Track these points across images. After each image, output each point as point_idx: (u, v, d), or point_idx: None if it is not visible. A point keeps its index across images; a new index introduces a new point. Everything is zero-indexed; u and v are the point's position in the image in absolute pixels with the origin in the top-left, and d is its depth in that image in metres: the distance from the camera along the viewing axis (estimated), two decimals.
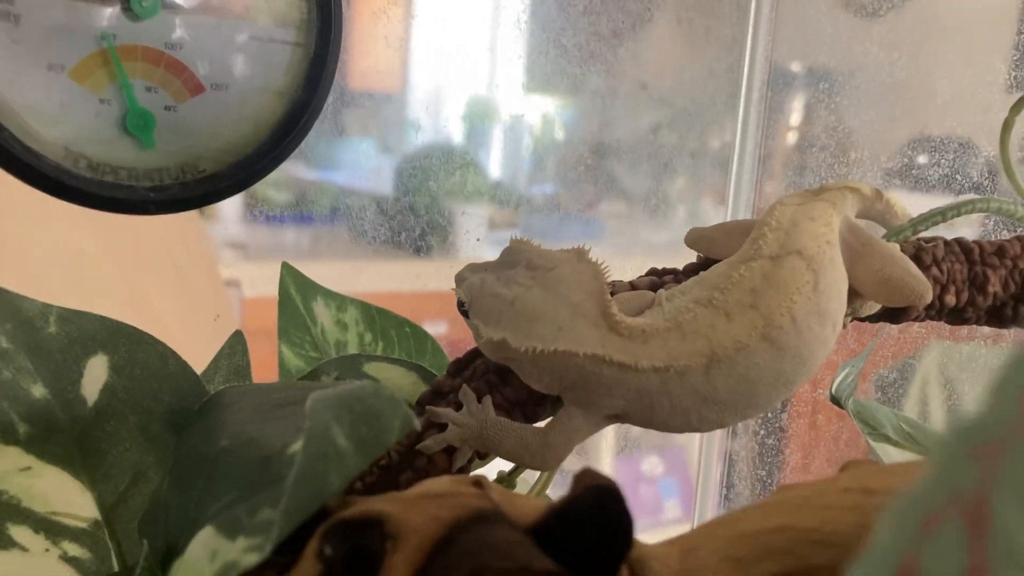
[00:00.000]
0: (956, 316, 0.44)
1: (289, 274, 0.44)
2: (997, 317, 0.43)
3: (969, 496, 0.15)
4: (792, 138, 0.87)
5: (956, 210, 0.43)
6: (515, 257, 0.38)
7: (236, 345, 0.42)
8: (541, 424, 0.40)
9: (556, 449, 0.38)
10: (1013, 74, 0.71)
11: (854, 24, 0.80)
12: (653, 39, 0.86)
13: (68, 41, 0.35)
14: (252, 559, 0.25)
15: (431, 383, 0.42)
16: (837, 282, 0.38)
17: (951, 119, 0.76)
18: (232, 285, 0.90)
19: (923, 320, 0.44)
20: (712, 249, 0.42)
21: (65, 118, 0.36)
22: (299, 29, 0.38)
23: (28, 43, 0.35)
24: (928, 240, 0.44)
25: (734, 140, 0.82)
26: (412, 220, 0.79)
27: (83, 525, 0.40)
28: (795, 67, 0.85)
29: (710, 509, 0.88)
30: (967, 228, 0.69)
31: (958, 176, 0.73)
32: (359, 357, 0.40)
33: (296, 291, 0.44)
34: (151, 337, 0.39)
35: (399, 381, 0.41)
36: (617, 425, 0.98)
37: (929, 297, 0.39)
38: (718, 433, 0.86)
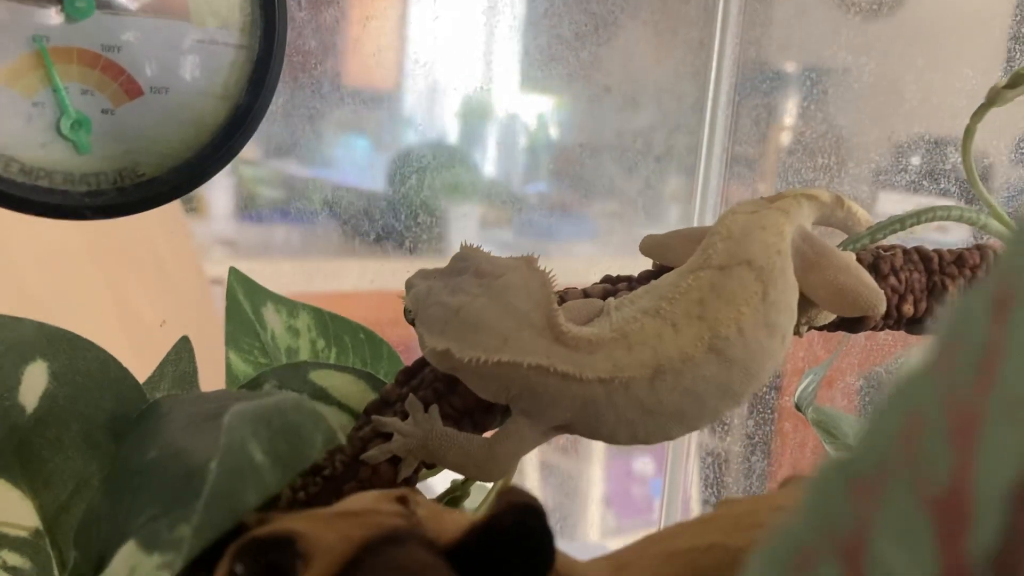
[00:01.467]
0: (915, 326, 0.43)
1: (237, 279, 0.43)
2: None
3: (845, 533, 0.14)
4: (785, 139, 0.86)
5: (915, 218, 0.43)
6: (464, 264, 0.38)
7: (182, 351, 0.41)
8: (490, 434, 0.39)
9: (501, 460, 0.37)
10: (1007, 75, 0.70)
11: (847, 24, 0.79)
12: (646, 39, 0.85)
13: None
14: None
15: (379, 391, 0.41)
16: (787, 293, 0.37)
17: (943, 120, 0.75)
18: (218, 283, 0.90)
19: (881, 329, 0.43)
20: (666, 256, 0.42)
21: None
22: (242, 31, 0.37)
23: None
24: (887, 248, 0.43)
25: (718, 140, 0.81)
26: (405, 218, 0.79)
27: (24, 534, 0.40)
28: (789, 67, 0.85)
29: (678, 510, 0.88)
30: (960, 232, 0.68)
31: (952, 177, 0.73)
32: (305, 365, 0.39)
33: (244, 296, 0.43)
34: (91, 343, 0.38)
35: (347, 389, 0.40)
36: None
37: (883, 308, 0.39)
38: (680, 464, 0.86)
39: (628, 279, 0.43)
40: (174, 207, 0.81)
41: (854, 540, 0.14)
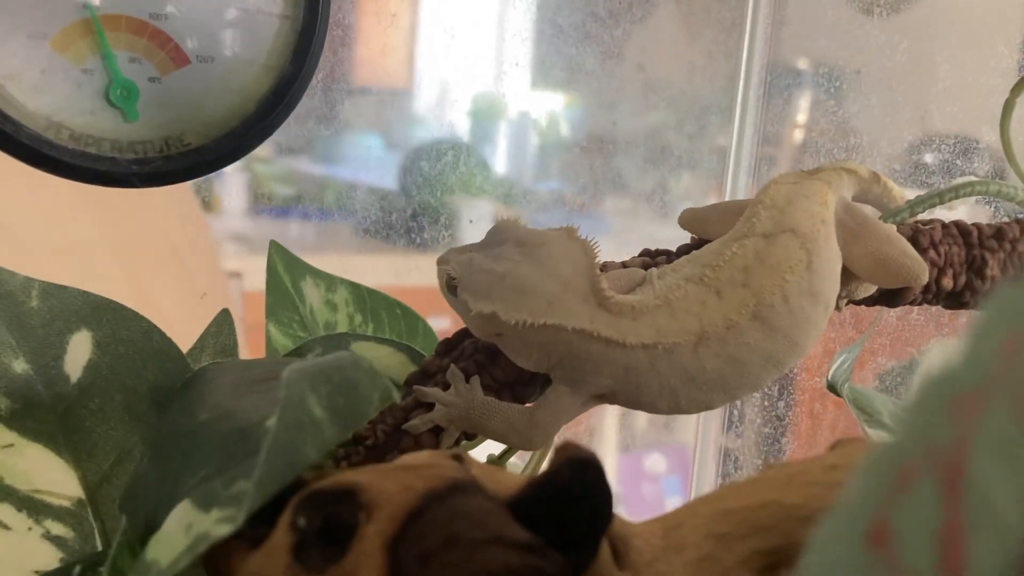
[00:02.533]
0: (954, 300, 0.43)
1: (277, 253, 0.44)
2: None
3: (945, 451, 0.14)
4: (799, 136, 0.86)
5: (954, 192, 0.43)
6: (502, 236, 0.38)
7: (223, 324, 0.42)
8: (530, 405, 0.39)
9: (543, 428, 0.37)
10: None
11: (864, 22, 0.79)
12: (659, 36, 0.85)
13: (50, 10, 0.35)
14: (224, 530, 0.25)
15: (419, 363, 0.41)
16: (831, 262, 0.37)
17: (960, 118, 0.75)
18: (234, 277, 0.90)
19: (920, 304, 0.43)
20: (706, 229, 0.42)
21: (47, 88, 0.35)
22: (287, 2, 0.37)
23: (8, 11, 0.34)
24: (926, 223, 0.43)
25: (736, 137, 0.81)
26: (416, 215, 0.79)
27: (67, 504, 0.40)
28: (802, 64, 0.85)
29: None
30: (966, 209, 0.68)
31: (967, 175, 0.72)
32: (345, 336, 0.39)
33: (284, 270, 0.43)
34: (135, 313, 0.38)
35: (387, 361, 0.41)
36: (620, 422, 0.97)
37: (925, 278, 0.38)
38: (714, 429, 0.86)
39: (667, 252, 0.43)
40: (192, 202, 0.81)
41: (954, 459, 0.14)
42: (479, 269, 0.36)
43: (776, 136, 0.83)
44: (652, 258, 0.42)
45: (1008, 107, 0.44)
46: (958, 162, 0.73)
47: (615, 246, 0.44)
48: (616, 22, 0.79)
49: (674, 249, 0.43)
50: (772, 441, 0.78)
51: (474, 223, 0.82)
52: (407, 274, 0.78)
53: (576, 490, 0.25)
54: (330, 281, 0.45)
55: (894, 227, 0.40)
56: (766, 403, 0.78)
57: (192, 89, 0.37)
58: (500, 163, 0.90)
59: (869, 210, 0.42)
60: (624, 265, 0.42)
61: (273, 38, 0.38)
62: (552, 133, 0.91)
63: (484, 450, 0.45)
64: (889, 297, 0.42)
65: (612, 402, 0.37)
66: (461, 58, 0.82)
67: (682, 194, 0.89)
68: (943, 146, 0.74)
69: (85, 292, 0.37)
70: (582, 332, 0.34)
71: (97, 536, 0.40)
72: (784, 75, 0.81)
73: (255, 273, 0.86)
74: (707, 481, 0.88)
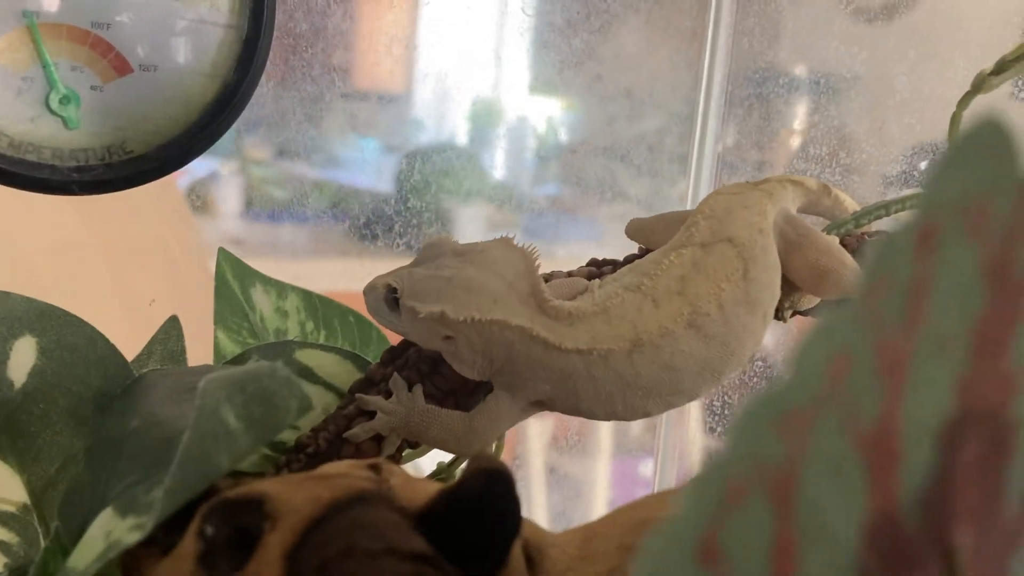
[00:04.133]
0: None
1: (226, 259, 0.44)
2: None
3: (774, 469, 0.15)
4: (794, 142, 0.86)
5: (900, 204, 0.43)
6: (436, 251, 0.38)
7: (171, 330, 0.42)
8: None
9: (481, 434, 0.37)
10: (1019, 80, 0.70)
11: (857, 29, 0.79)
12: (657, 46, 0.85)
13: None
14: (134, 537, 0.25)
15: (365, 372, 0.41)
16: (768, 272, 0.37)
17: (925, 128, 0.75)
18: None
19: None
20: (651, 239, 0.42)
21: None
22: (231, 11, 0.38)
23: None
24: (872, 234, 0.43)
25: (733, 143, 0.81)
26: (413, 219, 0.79)
27: (11, 509, 0.40)
28: (798, 71, 0.85)
29: None
30: None
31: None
32: (290, 343, 0.39)
33: (233, 276, 0.44)
34: (79, 320, 0.38)
35: (333, 369, 0.41)
36: (615, 427, 0.97)
37: None
38: (672, 455, 0.86)
39: (613, 262, 0.43)
40: (183, 205, 0.82)
41: (783, 477, 0.14)
42: (422, 277, 0.37)
43: (749, 143, 0.83)
44: (599, 268, 0.42)
45: (955, 120, 0.44)
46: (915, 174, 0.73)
47: (609, 252, 0.44)
48: (576, 31, 0.80)
49: (621, 259, 0.43)
50: None
51: (470, 225, 0.82)
52: None
53: (484, 501, 0.25)
54: (281, 288, 0.45)
55: (835, 239, 0.40)
56: (716, 411, 0.78)
57: (135, 98, 0.38)
58: (497, 168, 0.90)
59: (815, 221, 0.43)
60: (570, 275, 0.42)
61: (217, 47, 0.38)
62: (550, 137, 0.91)
63: (433, 459, 0.45)
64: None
65: (552, 408, 0.38)
66: (459, 63, 0.82)
67: (679, 198, 0.89)
68: (935, 152, 0.74)
69: (29, 298, 0.38)
70: (523, 331, 0.35)
71: (42, 541, 0.41)
72: (782, 83, 0.81)
73: None
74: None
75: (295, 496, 0.25)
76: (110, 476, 0.32)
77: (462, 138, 0.86)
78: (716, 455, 0.14)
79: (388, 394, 0.39)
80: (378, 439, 0.38)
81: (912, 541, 0.15)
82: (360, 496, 0.24)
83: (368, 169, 0.85)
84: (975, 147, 0.14)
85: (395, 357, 0.41)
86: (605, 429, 0.98)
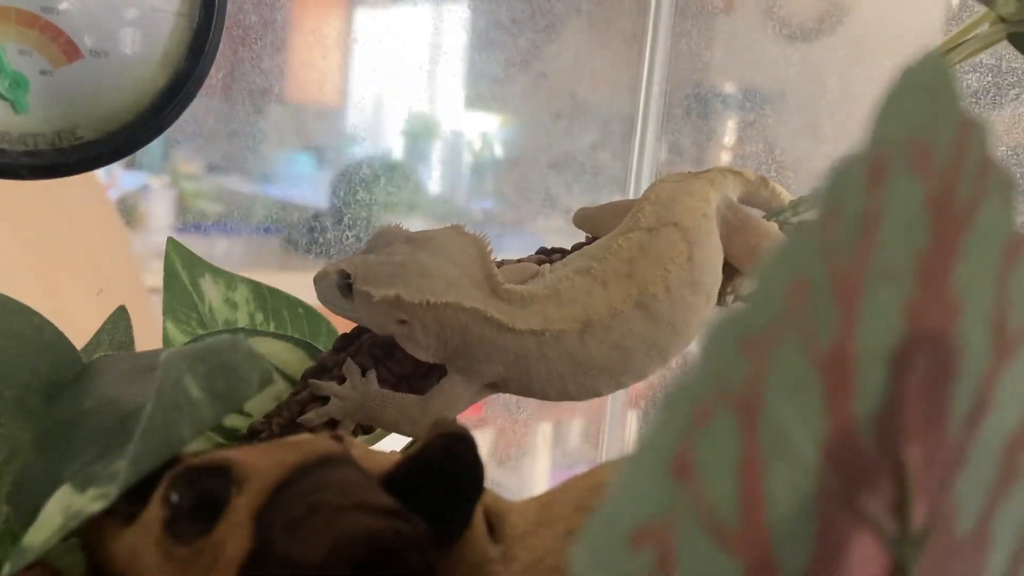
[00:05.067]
0: None
1: (175, 250, 0.44)
2: None
3: (739, 388, 0.15)
4: (725, 158, 0.89)
5: None
6: (388, 239, 0.39)
7: (119, 320, 0.41)
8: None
9: (435, 416, 0.38)
10: None
11: (787, 46, 0.81)
12: (596, 59, 0.87)
13: None
14: (97, 506, 0.25)
15: (316, 359, 0.42)
16: (712, 255, 0.39)
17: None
18: (156, 293, 0.89)
19: None
20: (598, 227, 0.43)
21: None
22: (183, 0, 0.38)
23: None
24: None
25: (667, 156, 0.83)
26: (349, 234, 0.79)
27: None
28: (728, 88, 0.87)
29: None
30: None
31: None
32: (242, 331, 0.39)
33: (183, 267, 0.44)
34: (25, 307, 0.38)
35: (284, 356, 0.41)
36: (553, 440, 0.98)
37: None
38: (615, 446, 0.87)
39: (562, 250, 0.44)
40: (114, 217, 0.81)
41: (749, 395, 0.15)
42: (375, 263, 0.37)
43: (687, 159, 0.85)
44: (548, 256, 0.43)
45: None
46: None
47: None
48: (523, 32, 0.81)
49: (569, 247, 0.44)
50: None
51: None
52: None
53: (448, 463, 0.25)
54: (230, 279, 0.45)
55: (775, 225, 0.42)
56: None
57: (85, 83, 0.37)
58: (433, 182, 0.91)
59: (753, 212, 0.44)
60: (519, 262, 0.43)
61: (169, 35, 0.38)
62: (486, 152, 0.91)
63: (387, 446, 0.45)
64: None
65: (504, 390, 0.39)
66: (394, 77, 0.82)
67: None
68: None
69: None
70: (476, 313, 0.36)
71: None
72: (714, 100, 0.83)
73: None
74: None
75: (261, 461, 0.25)
76: (64, 458, 0.31)
77: (398, 152, 0.87)
78: (683, 376, 0.15)
79: (341, 380, 0.39)
80: (332, 424, 0.39)
81: (867, 458, 0.16)
82: (326, 458, 0.25)
83: (302, 183, 0.85)
84: (917, 84, 0.15)
85: (348, 343, 0.41)
86: (545, 442, 0.99)
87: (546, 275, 0.39)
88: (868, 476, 0.16)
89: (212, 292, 0.44)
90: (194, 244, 0.86)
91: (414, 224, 0.84)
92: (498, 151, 0.92)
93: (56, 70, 0.37)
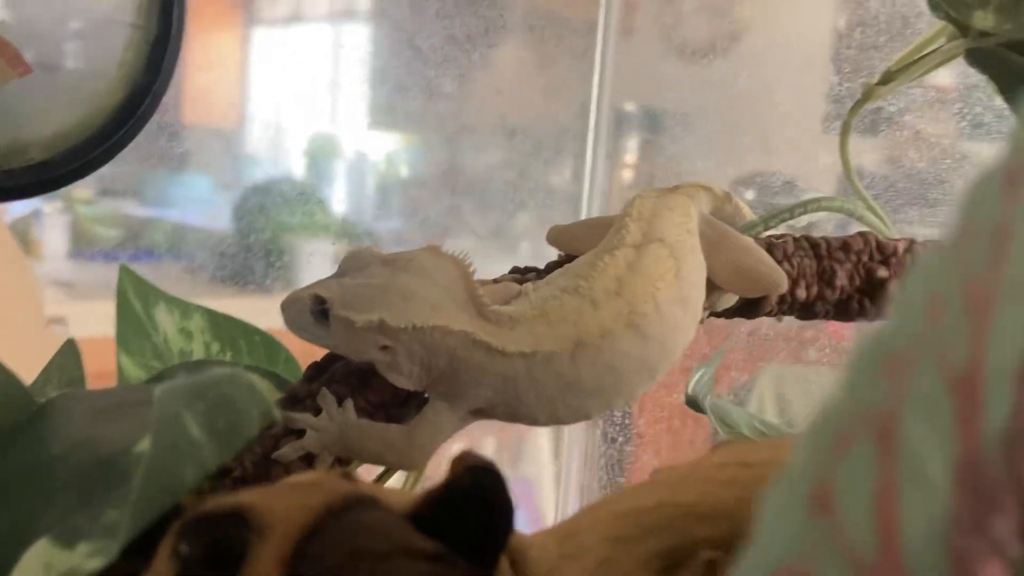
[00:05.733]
0: (806, 310, 0.45)
1: (128, 278, 0.41)
2: (844, 311, 0.45)
3: (879, 413, 0.15)
4: (628, 176, 0.89)
5: (803, 207, 0.45)
6: (361, 262, 0.37)
7: (68, 355, 0.39)
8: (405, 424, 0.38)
9: (422, 447, 0.36)
10: (829, 113, 0.76)
11: (686, 67, 0.82)
12: (498, 77, 0.86)
13: None
14: (96, 563, 0.23)
15: (286, 390, 0.39)
16: (697, 270, 0.38)
17: (775, 157, 0.80)
18: (57, 323, 0.85)
19: (776, 315, 0.45)
20: (574, 245, 0.42)
21: None
22: (139, 9, 0.36)
23: None
24: (778, 237, 0.45)
25: (580, 176, 0.83)
26: (253, 257, 0.77)
27: None
28: (629, 107, 0.88)
29: None
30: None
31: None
32: (206, 363, 0.37)
33: (135, 296, 0.41)
34: None
35: None
36: (513, 448, 0.96)
37: (785, 286, 0.40)
38: (575, 464, 0.87)
39: (535, 269, 0.43)
40: (11, 244, 0.76)
41: (887, 420, 0.15)
42: (353, 287, 0.35)
43: (613, 178, 0.86)
44: (522, 275, 0.42)
45: (846, 128, 0.46)
46: (773, 197, 0.77)
47: None
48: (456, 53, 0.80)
49: (543, 266, 0.43)
50: (625, 462, 0.80)
51: (313, 261, 0.81)
52: (246, 318, 0.76)
53: (478, 496, 0.24)
54: (185, 308, 0.42)
55: (751, 239, 0.42)
56: (617, 421, 0.79)
57: (35, 100, 0.35)
58: (338, 203, 0.89)
59: None
60: (496, 282, 0.41)
61: (123, 48, 0.35)
62: (391, 172, 0.91)
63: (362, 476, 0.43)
64: (748, 308, 0.44)
65: (490, 416, 0.37)
66: (295, 97, 0.81)
67: (523, 231, 0.91)
68: (765, 185, 0.78)
69: None
70: (465, 336, 0.34)
71: None
72: (617, 119, 0.85)
73: (80, 319, 0.81)
74: (552, 513, 0.88)
75: (279, 505, 0.23)
76: (32, 509, 0.29)
77: (299, 173, 0.85)
78: (826, 404, 0.14)
79: (316, 411, 0.37)
80: (309, 459, 0.37)
81: (993, 480, 0.15)
82: (352, 500, 0.23)
83: (202, 207, 0.83)
84: None
85: (320, 372, 0.39)
86: (494, 451, 0.98)
87: (530, 295, 0.38)
88: (995, 499, 0.16)
89: (166, 322, 0.42)
90: (93, 272, 0.83)
91: (320, 246, 0.83)
92: (403, 171, 0.92)
93: (3, 86, 0.34)
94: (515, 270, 0.43)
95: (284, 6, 0.85)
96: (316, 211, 0.84)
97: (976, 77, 0.45)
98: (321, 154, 0.86)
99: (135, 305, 0.41)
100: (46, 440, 0.30)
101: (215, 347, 0.44)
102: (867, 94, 0.45)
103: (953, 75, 0.68)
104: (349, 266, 0.37)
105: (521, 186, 0.87)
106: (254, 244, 0.77)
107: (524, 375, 0.35)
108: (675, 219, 0.38)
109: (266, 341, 0.45)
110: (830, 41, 0.78)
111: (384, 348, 0.35)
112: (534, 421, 0.37)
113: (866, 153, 0.74)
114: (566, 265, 0.39)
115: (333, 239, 0.85)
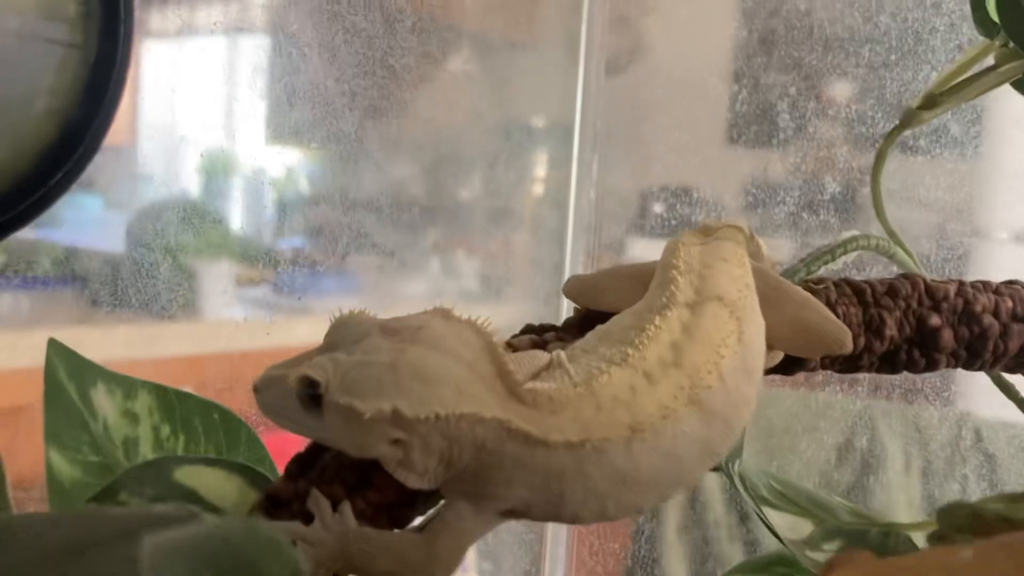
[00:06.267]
0: (850, 364, 0.40)
1: (58, 355, 0.33)
2: (890, 363, 0.40)
3: None
4: (538, 190, 0.87)
5: (843, 247, 0.40)
6: (355, 330, 0.30)
7: None
8: (415, 530, 0.31)
9: (444, 560, 0.30)
10: (730, 127, 0.76)
11: (594, 80, 0.82)
12: (404, 89, 0.83)
13: None
14: None
15: (264, 489, 0.32)
16: (759, 332, 0.33)
17: (679, 170, 0.80)
18: None
19: (814, 370, 0.40)
20: (600, 300, 0.36)
21: None
22: (73, 25, 0.28)
23: None
24: (816, 282, 0.40)
25: (491, 190, 0.81)
26: (149, 280, 0.70)
27: None
28: (537, 122, 0.86)
29: None
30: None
31: (685, 223, 0.78)
32: (166, 461, 0.30)
33: (68, 376, 0.33)
34: None
35: (221, 489, 0.31)
36: None
37: (850, 344, 0.35)
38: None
39: (554, 328, 0.36)
40: None
41: None
42: (352, 365, 0.28)
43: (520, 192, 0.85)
44: (540, 335, 0.36)
45: (881, 156, 0.42)
46: (681, 209, 0.76)
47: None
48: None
49: (559, 324, 0.37)
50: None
51: (217, 282, 0.76)
52: (146, 346, 0.70)
53: None
54: (129, 386, 0.35)
55: (806, 291, 0.36)
56: None
57: None
58: (236, 221, 0.84)
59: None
60: (510, 346, 0.35)
61: (55, 72, 0.28)
62: (291, 189, 0.86)
63: None
64: (790, 365, 0.38)
65: (524, 517, 0.31)
66: (188, 113, 0.75)
67: (428, 248, 0.87)
68: (670, 197, 0.79)
69: None
70: (499, 425, 0.28)
71: None
72: (524, 134, 0.83)
73: None
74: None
75: None
76: None
77: (195, 191, 0.80)
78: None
79: (305, 517, 0.30)
80: None
81: None
82: None
83: (92, 228, 0.76)
84: None
85: (305, 467, 0.32)
86: None
87: (566, 366, 0.31)
88: None
89: (106, 405, 0.34)
90: None
91: (222, 267, 0.76)
92: (304, 187, 0.87)
93: None
94: (530, 329, 0.36)
95: (174, 18, 0.79)
96: (213, 229, 0.78)
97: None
98: (215, 170, 0.81)
99: (68, 388, 0.32)
100: None
101: (165, 430, 0.36)
102: (907, 118, 0.40)
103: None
104: (341, 336, 0.30)
105: (428, 201, 0.84)
106: (151, 266, 0.70)
107: (571, 470, 0.29)
108: (732, 272, 0.33)
109: (224, 418, 0.38)
110: (730, 55, 0.79)
111: (395, 442, 0.28)
112: (578, 520, 0.30)
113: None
114: (601, 328, 0.33)
115: (234, 258, 0.80)
